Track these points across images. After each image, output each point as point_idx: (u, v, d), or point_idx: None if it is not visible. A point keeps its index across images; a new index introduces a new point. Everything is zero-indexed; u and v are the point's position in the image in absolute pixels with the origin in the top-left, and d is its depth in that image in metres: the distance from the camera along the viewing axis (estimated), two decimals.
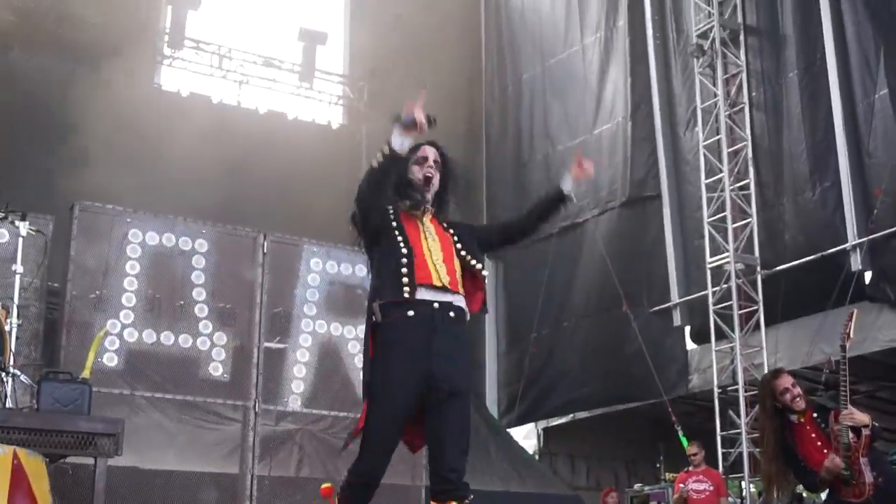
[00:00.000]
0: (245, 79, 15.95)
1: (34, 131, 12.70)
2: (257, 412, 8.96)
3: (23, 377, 6.59)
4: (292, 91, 16.39)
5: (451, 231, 4.74)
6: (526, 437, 16.18)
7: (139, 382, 8.68)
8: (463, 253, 4.67)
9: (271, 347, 9.28)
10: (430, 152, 4.84)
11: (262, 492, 8.82)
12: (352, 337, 9.59)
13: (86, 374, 6.64)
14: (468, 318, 4.59)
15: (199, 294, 9.04)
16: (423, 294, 4.48)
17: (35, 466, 3.79)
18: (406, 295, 4.41)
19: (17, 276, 6.80)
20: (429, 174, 4.75)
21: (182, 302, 9.09)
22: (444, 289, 4.51)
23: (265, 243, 9.35)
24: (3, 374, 6.33)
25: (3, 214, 6.90)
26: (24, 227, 6.90)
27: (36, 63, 13.81)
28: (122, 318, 8.66)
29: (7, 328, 6.48)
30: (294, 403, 9.30)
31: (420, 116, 4.58)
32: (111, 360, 8.51)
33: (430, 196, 4.75)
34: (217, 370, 9.01)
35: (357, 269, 9.74)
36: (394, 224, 4.59)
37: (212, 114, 14.90)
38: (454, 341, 4.50)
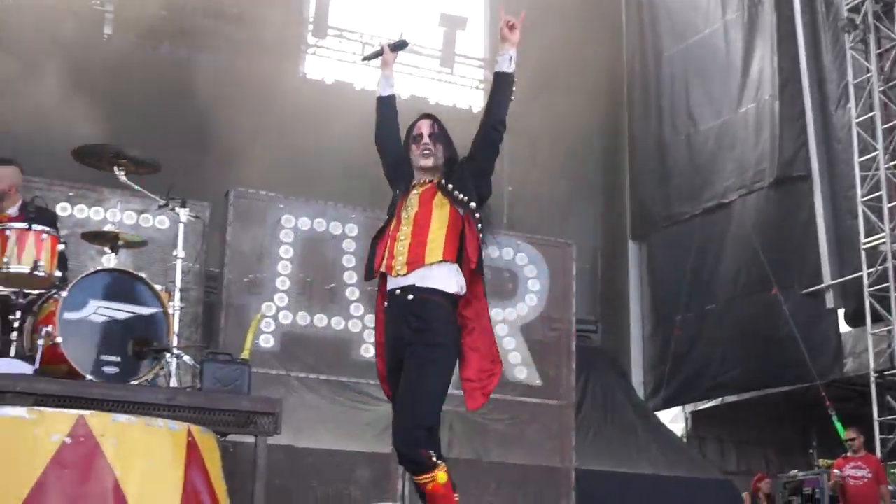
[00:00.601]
0: None
1: (187, 122, 13.07)
2: None
3: (185, 358, 6.80)
4: (433, 76, 16.49)
5: (445, 182, 4.74)
6: (673, 420, 15.97)
7: (293, 364, 8.92)
8: (450, 187, 4.69)
9: None
10: (425, 126, 4.86)
11: None
12: (500, 319, 9.66)
13: (245, 355, 6.83)
14: (431, 294, 4.57)
15: (350, 277, 9.25)
16: (389, 284, 4.69)
17: (207, 443, 3.93)
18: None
19: (179, 261, 6.99)
20: (426, 152, 4.77)
21: (333, 285, 9.28)
22: (403, 275, 4.60)
23: None
24: (168, 355, 6.55)
25: (164, 202, 7.10)
26: (184, 214, 7.07)
27: (186, 56, 14.22)
28: (277, 301, 8.92)
29: (170, 311, 6.69)
30: None
31: (384, 45, 5.02)
32: (267, 342, 8.77)
33: (429, 169, 4.79)
34: (368, 352, 9.17)
35: (504, 252, 9.80)
36: (390, 213, 4.81)
37: (355, 100, 15.07)
38: (411, 321, 4.57)
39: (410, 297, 4.61)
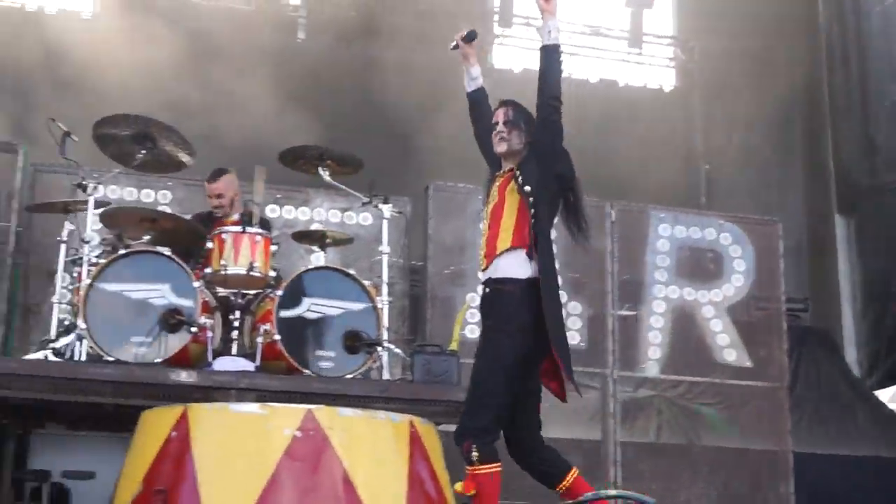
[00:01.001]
0: (574, 50, 15.99)
1: (382, 119, 13.32)
2: (615, 379, 9.10)
3: (396, 351, 6.96)
4: (622, 58, 16.27)
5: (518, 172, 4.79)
6: (893, 399, 15.28)
7: None
8: (518, 174, 4.75)
9: (624, 315, 9.36)
10: (500, 114, 4.92)
11: (626, 457, 8.94)
12: (706, 301, 9.51)
13: (453, 346, 6.95)
14: (503, 284, 4.68)
15: None
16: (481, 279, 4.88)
17: (429, 433, 4.01)
18: None
19: (384, 256, 7.15)
20: (499, 139, 4.86)
21: None
22: (484, 270, 4.79)
23: (612, 212, 9.45)
24: (379, 349, 6.72)
25: (367, 199, 7.28)
26: (387, 210, 7.25)
27: (377, 54, 14.48)
28: (480, 292, 8.98)
29: (379, 305, 6.85)
30: (651, 370, 9.35)
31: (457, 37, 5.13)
32: (473, 332, 8.86)
33: (508, 157, 4.87)
34: (574, 339, 9.18)
35: (706, 233, 9.64)
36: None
37: None
38: (487, 315, 4.74)
39: (487, 290, 4.77)
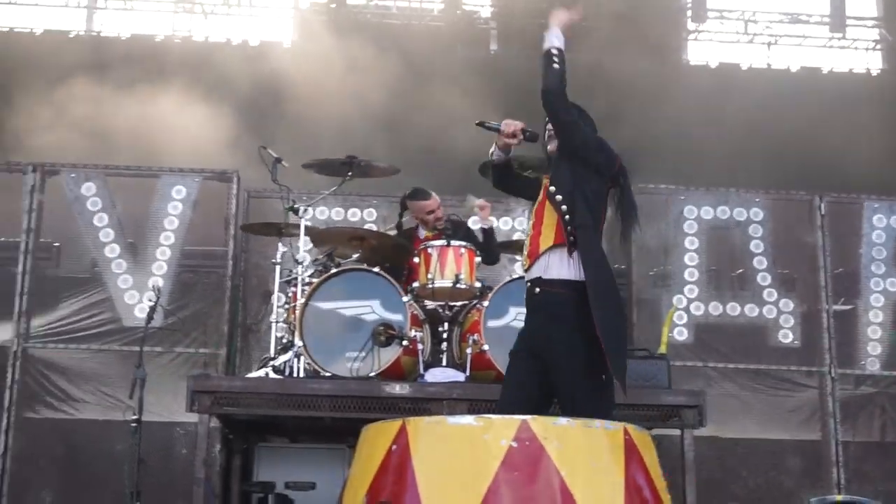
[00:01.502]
0: (773, 39, 15.56)
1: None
2: (834, 377, 8.81)
3: None
4: (823, 44, 15.72)
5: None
6: None
7: (709, 354, 8.89)
8: (548, 182, 4.74)
9: (839, 310, 9.06)
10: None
11: (848, 457, 8.63)
12: None
13: (662, 349, 6.87)
14: (553, 286, 4.54)
15: (760, 263, 9.11)
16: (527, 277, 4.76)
17: (643, 440, 3.97)
18: None
19: None
20: (550, 135, 4.93)
21: (742, 270, 9.16)
22: (528, 268, 4.70)
23: (822, 205, 9.19)
24: None
25: None
26: None
27: (569, 59, 14.46)
28: (687, 293, 8.95)
29: None
30: (872, 366, 9.01)
31: (508, 129, 4.83)
32: (681, 335, 8.82)
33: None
34: (787, 337, 9.01)
35: (892, 221, 9.24)
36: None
37: (743, 81, 14.71)
38: (542, 316, 4.59)
39: (537, 290, 4.63)
